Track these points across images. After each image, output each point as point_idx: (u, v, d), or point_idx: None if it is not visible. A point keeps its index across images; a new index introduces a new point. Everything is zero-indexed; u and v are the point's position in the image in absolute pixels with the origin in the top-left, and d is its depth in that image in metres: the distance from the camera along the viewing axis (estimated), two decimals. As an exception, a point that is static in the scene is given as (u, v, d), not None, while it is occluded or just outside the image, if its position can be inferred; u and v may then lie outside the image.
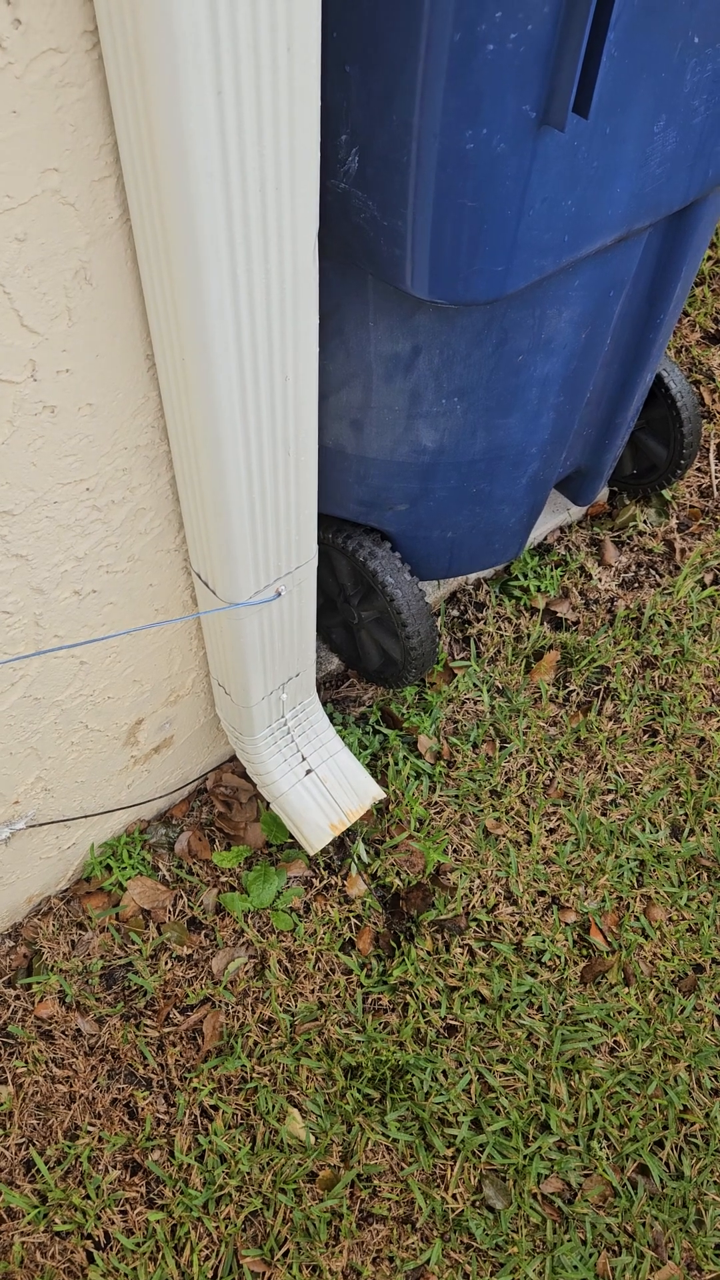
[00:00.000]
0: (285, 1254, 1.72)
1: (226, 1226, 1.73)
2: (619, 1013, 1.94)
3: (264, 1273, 1.70)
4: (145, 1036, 1.88)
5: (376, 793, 1.98)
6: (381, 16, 1.11)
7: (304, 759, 1.91)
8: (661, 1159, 1.83)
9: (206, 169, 0.92)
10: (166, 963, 1.94)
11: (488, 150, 1.19)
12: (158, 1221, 1.73)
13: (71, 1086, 1.83)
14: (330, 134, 1.25)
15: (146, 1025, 1.89)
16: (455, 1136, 1.81)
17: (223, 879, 2.03)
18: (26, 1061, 1.84)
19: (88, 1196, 1.74)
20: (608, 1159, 1.82)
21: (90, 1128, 1.80)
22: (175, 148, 0.90)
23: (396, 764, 2.17)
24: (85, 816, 1.88)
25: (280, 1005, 1.91)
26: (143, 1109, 1.82)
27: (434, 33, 1.09)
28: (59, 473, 1.25)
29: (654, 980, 1.98)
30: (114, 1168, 1.77)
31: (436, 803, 2.14)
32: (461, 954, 1.98)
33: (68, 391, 1.17)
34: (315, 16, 0.90)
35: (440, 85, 1.13)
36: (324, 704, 2.25)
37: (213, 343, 1.07)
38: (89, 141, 0.99)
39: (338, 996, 1.93)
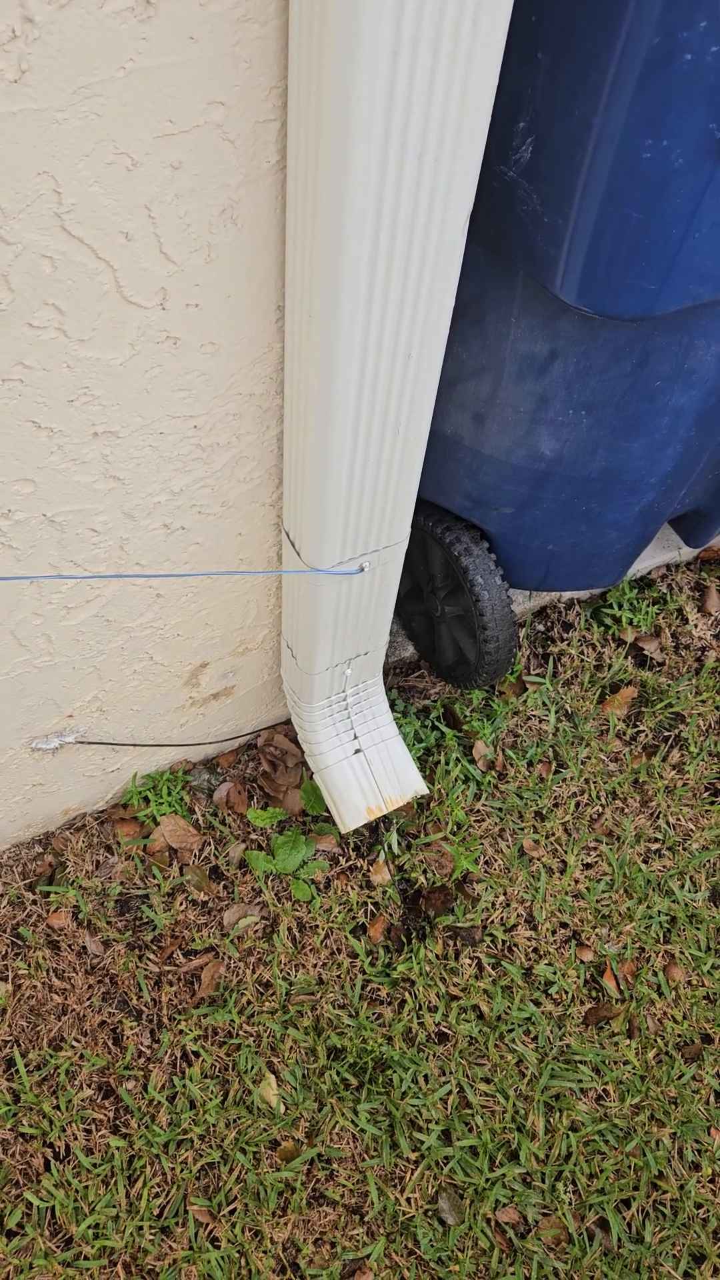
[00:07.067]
0: (232, 1211, 1.73)
1: (181, 1171, 1.75)
2: (615, 1062, 1.90)
3: (208, 1224, 1.71)
4: (145, 970, 1.90)
5: (420, 787, 1.96)
6: (584, 5, 1.08)
7: (355, 737, 1.91)
8: (625, 1218, 1.78)
9: (367, 125, 0.90)
10: (181, 904, 1.96)
11: (664, 163, 1.15)
12: (118, 1148, 1.76)
13: (66, 999, 1.87)
14: (508, 119, 1.22)
15: (149, 959, 1.91)
16: (423, 1142, 1.80)
17: (253, 836, 2.05)
18: (30, 965, 1.89)
19: (58, 1107, 1.78)
20: (570, 1204, 1.78)
21: (75, 1043, 1.84)
22: (340, 99, 0.88)
23: (447, 764, 2.14)
24: (134, 745, 1.91)
25: (280, 971, 1.92)
26: (128, 1038, 1.85)
27: (633, 31, 1.05)
28: (170, 405, 1.26)
29: (658, 1039, 1.93)
30: (88, 1086, 1.81)
31: (479, 811, 2.12)
32: (469, 965, 1.95)
33: (193, 326, 1.18)
34: (508, -8, 0.87)
35: (629, 87, 1.10)
36: (390, 689, 2.23)
37: (341, 302, 1.06)
38: (260, 81, 0.98)
39: (338, 977, 1.92)
